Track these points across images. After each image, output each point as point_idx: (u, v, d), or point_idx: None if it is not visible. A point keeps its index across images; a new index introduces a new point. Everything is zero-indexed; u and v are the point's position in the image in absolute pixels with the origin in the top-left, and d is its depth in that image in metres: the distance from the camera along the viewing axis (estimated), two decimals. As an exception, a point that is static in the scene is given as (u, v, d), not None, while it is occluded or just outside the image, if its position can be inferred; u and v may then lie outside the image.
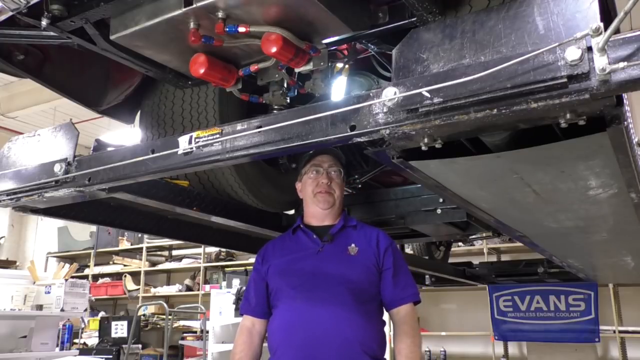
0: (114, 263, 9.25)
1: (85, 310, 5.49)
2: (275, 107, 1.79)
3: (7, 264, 8.20)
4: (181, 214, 2.27)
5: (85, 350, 6.89)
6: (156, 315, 8.25)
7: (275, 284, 2.12)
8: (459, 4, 1.37)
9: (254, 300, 2.18)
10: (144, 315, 8.10)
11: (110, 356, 6.72)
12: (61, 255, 9.66)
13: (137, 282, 8.79)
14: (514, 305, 6.12)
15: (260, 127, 1.34)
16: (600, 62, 0.94)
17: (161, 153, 1.50)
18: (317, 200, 2.16)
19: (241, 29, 1.41)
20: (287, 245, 2.20)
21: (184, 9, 1.39)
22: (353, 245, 2.08)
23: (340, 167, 2.20)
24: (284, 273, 2.11)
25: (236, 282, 6.18)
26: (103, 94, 2.18)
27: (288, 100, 1.76)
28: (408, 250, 4.40)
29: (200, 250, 8.48)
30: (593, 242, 2.50)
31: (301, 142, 1.28)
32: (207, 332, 5.98)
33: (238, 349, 2.15)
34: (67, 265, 6.16)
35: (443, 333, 6.56)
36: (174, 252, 9.24)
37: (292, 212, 2.81)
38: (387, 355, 2.09)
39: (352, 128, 1.21)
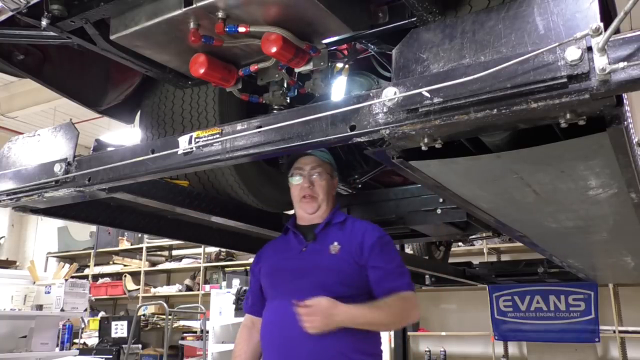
0: (114, 263, 9.25)
1: (85, 310, 5.49)
2: (275, 107, 1.79)
3: (7, 264, 8.19)
4: (181, 214, 2.27)
5: (85, 350, 6.89)
6: (156, 315, 8.25)
7: (264, 285, 2.17)
8: (459, 4, 1.37)
9: (250, 299, 2.26)
10: (144, 315, 8.10)
11: (110, 356, 6.73)
12: (61, 255, 9.65)
13: (137, 282, 8.79)
14: (514, 305, 6.12)
15: (260, 127, 1.34)
16: (600, 62, 0.94)
17: (161, 153, 1.50)
18: (302, 205, 2.15)
19: (241, 29, 1.41)
20: (279, 246, 2.23)
21: (184, 9, 1.39)
22: (335, 243, 2.04)
23: (325, 168, 2.16)
24: (270, 274, 2.15)
25: (236, 282, 6.18)
26: (103, 94, 2.18)
27: (288, 100, 1.76)
28: (408, 250, 4.40)
29: (200, 250, 8.48)
30: (593, 242, 2.50)
31: (301, 142, 1.28)
32: (207, 332, 5.98)
33: (238, 347, 2.22)
34: (67, 265, 6.16)
35: (443, 333, 6.56)
36: (174, 252, 9.24)
37: (292, 212, 2.81)
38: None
39: (352, 128, 1.21)
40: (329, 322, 1.83)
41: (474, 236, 4.13)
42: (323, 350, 1.89)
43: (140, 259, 8.99)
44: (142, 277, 8.79)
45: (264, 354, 2.07)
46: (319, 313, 1.82)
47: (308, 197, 2.12)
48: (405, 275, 2.03)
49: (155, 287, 8.99)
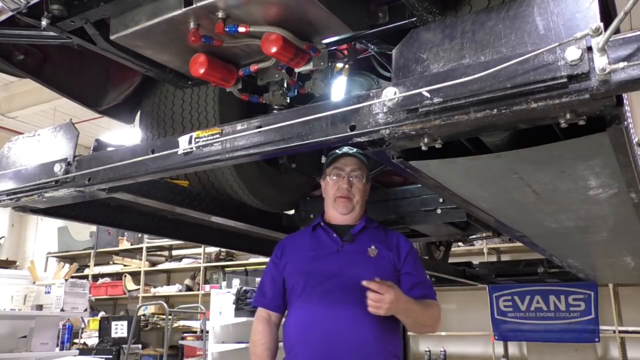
0: (114, 263, 9.25)
1: (85, 310, 5.49)
2: (275, 107, 1.79)
3: (7, 264, 8.19)
4: (181, 214, 2.27)
5: (85, 350, 6.89)
6: (156, 315, 8.24)
7: (293, 282, 2.11)
8: (459, 4, 1.37)
9: (269, 293, 2.17)
10: (144, 315, 8.10)
11: (110, 356, 6.73)
12: (61, 255, 9.65)
13: (137, 282, 8.79)
14: (514, 305, 6.12)
15: (260, 127, 1.34)
16: (600, 62, 0.94)
17: (161, 153, 1.50)
18: (336, 204, 2.16)
19: (241, 29, 1.41)
20: (307, 243, 2.18)
21: (184, 9, 1.39)
22: (373, 247, 2.09)
23: (364, 171, 2.19)
24: (302, 271, 2.10)
25: (236, 282, 6.18)
26: (103, 94, 2.18)
27: (288, 100, 1.76)
28: (408, 250, 4.39)
29: (200, 250, 8.48)
30: (593, 242, 2.50)
31: (301, 142, 1.28)
32: (207, 332, 5.97)
33: (258, 336, 2.13)
34: (67, 265, 6.15)
35: (443, 333, 6.56)
36: (174, 252, 9.24)
37: (292, 212, 2.81)
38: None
39: (352, 128, 1.21)
40: (393, 307, 1.86)
41: (474, 236, 4.13)
42: (368, 348, 1.92)
43: (140, 259, 8.99)
44: (142, 277, 8.78)
45: (293, 354, 2.01)
46: (391, 295, 1.84)
47: (344, 197, 2.15)
48: (432, 286, 2.16)
49: (155, 287, 8.99)
